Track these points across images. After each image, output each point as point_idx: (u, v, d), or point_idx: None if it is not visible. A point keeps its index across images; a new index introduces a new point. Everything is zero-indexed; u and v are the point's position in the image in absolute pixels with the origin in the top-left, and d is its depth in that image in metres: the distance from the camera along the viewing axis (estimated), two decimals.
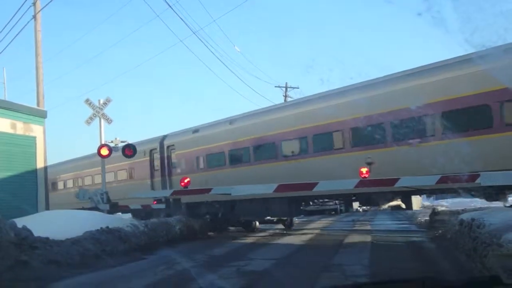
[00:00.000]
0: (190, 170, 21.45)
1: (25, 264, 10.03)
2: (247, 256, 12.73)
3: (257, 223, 21.81)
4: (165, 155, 23.73)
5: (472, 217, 10.59)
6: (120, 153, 22.30)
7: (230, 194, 18.01)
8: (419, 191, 16.90)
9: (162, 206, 23.65)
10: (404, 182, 12.69)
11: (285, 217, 21.40)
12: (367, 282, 5.50)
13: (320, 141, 16.76)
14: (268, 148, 18.62)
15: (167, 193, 20.38)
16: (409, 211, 24.39)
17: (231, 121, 20.64)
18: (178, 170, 22.70)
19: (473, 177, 10.87)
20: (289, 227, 21.84)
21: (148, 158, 24.78)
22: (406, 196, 17.69)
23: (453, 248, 11.71)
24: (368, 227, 22.07)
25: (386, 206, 16.45)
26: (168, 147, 23.68)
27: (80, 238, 12.21)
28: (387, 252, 13.07)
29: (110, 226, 13.63)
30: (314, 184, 14.35)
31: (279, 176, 16.77)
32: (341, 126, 15.77)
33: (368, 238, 16.25)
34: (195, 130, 22.29)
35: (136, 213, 23.01)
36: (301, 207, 20.79)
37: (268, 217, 21.37)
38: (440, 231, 15.58)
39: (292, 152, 17.78)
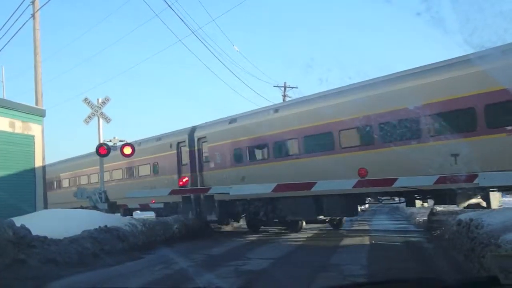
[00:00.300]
0: (224, 164, 20.16)
1: (23, 262, 10.04)
2: (245, 255, 12.73)
3: (304, 223, 20.16)
4: (195, 148, 21.93)
5: (470, 217, 10.58)
6: (140, 147, 22.15)
7: (228, 193, 18.03)
8: (500, 188, 14.44)
9: (160, 205, 23.59)
10: (402, 182, 12.72)
11: (343, 216, 19.83)
12: (365, 282, 5.50)
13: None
14: (323, 139, 16.51)
15: (166, 192, 19.75)
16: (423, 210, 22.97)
17: (276, 109, 18.96)
18: (211, 165, 21.05)
19: (471, 177, 10.89)
20: (337, 227, 20.49)
21: (175, 151, 23.09)
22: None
23: (451, 249, 11.71)
24: (367, 227, 22.08)
25: (465, 204, 15.43)
26: (199, 139, 21.87)
27: (78, 237, 12.21)
28: (385, 252, 13.07)
29: (108, 225, 13.63)
30: (313, 184, 14.37)
31: (336, 170, 15.12)
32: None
33: (366, 238, 16.26)
34: (232, 120, 20.48)
35: (160, 212, 22.73)
36: (359, 205, 18.95)
37: (321, 217, 19.01)
38: (438, 232, 15.59)
39: (360, 141, 15.66)
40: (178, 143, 22.91)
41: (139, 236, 14.81)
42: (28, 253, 10.37)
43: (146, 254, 13.35)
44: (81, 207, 19.82)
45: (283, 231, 19.68)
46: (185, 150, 22.48)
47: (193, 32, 38.56)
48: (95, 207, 18.51)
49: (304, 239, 17.21)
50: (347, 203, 16.47)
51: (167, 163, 23.42)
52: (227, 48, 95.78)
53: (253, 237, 18.29)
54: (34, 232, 11.02)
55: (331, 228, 20.57)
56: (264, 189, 16.55)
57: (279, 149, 18.12)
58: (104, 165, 26.24)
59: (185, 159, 22.38)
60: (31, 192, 17.93)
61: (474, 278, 5.32)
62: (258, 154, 19.01)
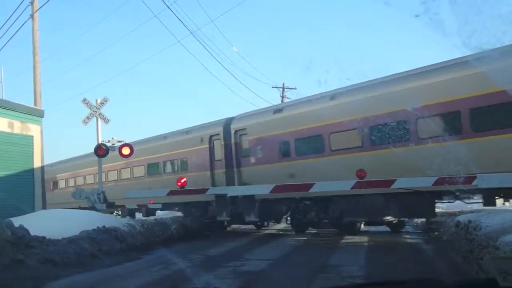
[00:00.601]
0: (268, 159, 18.19)
1: (21, 263, 10.03)
2: (243, 256, 12.73)
3: (362, 224, 18.42)
4: (232, 141, 19.84)
5: (469, 219, 10.61)
6: (168, 141, 21.68)
7: (226, 194, 17.97)
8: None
9: (159, 205, 23.51)
10: (400, 183, 12.71)
11: (418, 217, 18.47)
12: (363, 283, 5.50)
13: None
14: (394, 129, 14.12)
15: (164, 192, 19.03)
16: None
17: (332, 95, 16.40)
18: (251, 160, 18.97)
19: (470, 179, 10.90)
20: (396, 230, 18.32)
21: (207, 145, 20.96)
22: None
23: (450, 250, 11.74)
24: (365, 228, 22.06)
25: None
26: (236, 131, 19.75)
27: (77, 237, 12.20)
28: (384, 253, 13.08)
29: (106, 226, 13.63)
30: (311, 185, 14.36)
31: (415, 164, 12.52)
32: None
33: (365, 239, 16.26)
34: (278, 110, 18.64)
35: (187, 212, 21.63)
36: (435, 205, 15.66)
37: (388, 218, 17.02)
38: (436, 233, 15.61)
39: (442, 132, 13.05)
40: (211, 136, 20.87)
41: (138, 237, 14.80)
42: (27, 253, 10.36)
43: (145, 254, 13.34)
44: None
45: (333, 233, 17.80)
46: (218, 144, 20.50)
47: (191, 33, 38.57)
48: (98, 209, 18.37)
49: (303, 239, 17.20)
50: (423, 201, 14.36)
51: (197, 159, 21.40)
52: (226, 49, 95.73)
53: (251, 238, 18.26)
54: (32, 233, 11.01)
55: (388, 231, 18.56)
56: (262, 190, 16.53)
57: (339, 142, 15.79)
58: (124, 162, 24.80)
59: (219, 154, 20.43)
60: (30, 192, 17.93)
61: (473, 279, 5.33)
62: (311, 147, 16.60)
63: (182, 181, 16.71)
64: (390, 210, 15.44)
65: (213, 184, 20.14)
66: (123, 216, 24.32)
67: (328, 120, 15.87)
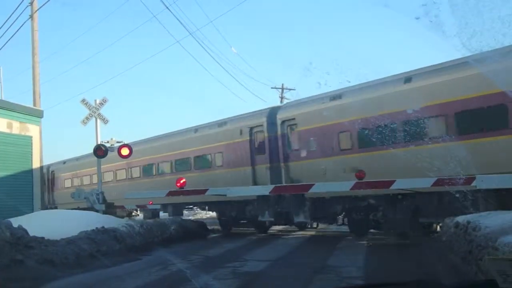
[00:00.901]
0: (324, 152, 16.13)
1: (20, 263, 10.03)
2: (242, 257, 12.73)
3: (439, 225, 15.06)
4: (278, 133, 17.84)
5: (468, 220, 10.59)
6: (199, 134, 20.70)
7: (225, 195, 17.76)
8: None
9: (157, 206, 23.45)
10: (399, 184, 12.72)
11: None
12: (362, 285, 5.50)
13: None
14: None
15: (163, 193, 18.87)
16: None
17: (407, 78, 14.22)
18: (302, 153, 16.95)
19: (469, 180, 10.90)
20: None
21: (247, 138, 19.00)
22: None
23: (448, 251, 11.72)
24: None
25: None
26: (283, 122, 17.75)
27: (75, 238, 12.20)
28: (382, 254, 13.08)
29: (105, 226, 13.62)
30: (310, 186, 14.36)
31: None
32: None
33: (363, 240, 16.24)
34: (335, 97, 16.05)
35: (221, 212, 20.93)
36: None
37: None
38: (435, 234, 15.58)
39: None
40: (251, 128, 18.92)
41: (136, 237, 14.78)
42: (26, 253, 10.36)
43: (143, 255, 13.33)
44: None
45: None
46: (261, 136, 18.56)
47: (190, 34, 38.57)
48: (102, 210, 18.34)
49: (302, 240, 17.19)
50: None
51: (235, 153, 19.43)
52: (225, 50, 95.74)
53: (250, 239, 18.23)
54: (31, 233, 11.02)
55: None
56: (261, 191, 16.49)
57: (417, 130, 13.35)
58: (147, 157, 23.67)
59: (262, 147, 18.52)
60: (29, 192, 17.93)
61: (472, 281, 5.33)
62: (380, 137, 13.88)
63: (181, 181, 16.60)
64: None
65: (254, 181, 18.54)
66: (147, 216, 24.18)
67: (403, 107, 13.61)
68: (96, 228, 13.26)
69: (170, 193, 18.20)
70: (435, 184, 11.70)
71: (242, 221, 20.47)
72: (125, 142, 19.82)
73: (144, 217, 24.44)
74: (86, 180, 29.50)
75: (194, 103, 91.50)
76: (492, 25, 6.72)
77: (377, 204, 15.33)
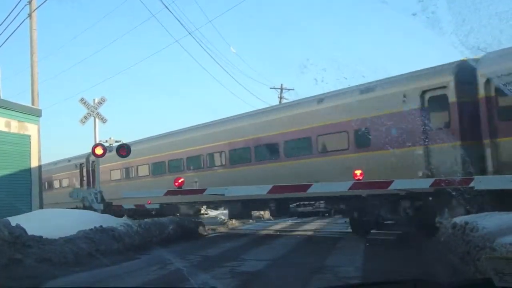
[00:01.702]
0: None
1: (19, 262, 10.04)
2: (240, 256, 12.75)
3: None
4: (479, 95, 12.35)
5: (466, 220, 10.61)
6: (324, 105, 15.99)
7: (223, 194, 17.69)
8: None
9: (156, 206, 23.41)
10: (398, 184, 12.73)
11: None
12: (359, 284, 5.52)
13: None
14: None
15: (161, 193, 18.84)
16: None
17: None
18: None
19: (467, 180, 10.92)
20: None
21: (417, 106, 13.45)
22: None
23: (446, 251, 11.74)
24: None
25: None
26: (488, 80, 12.06)
27: (74, 237, 12.20)
28: (380, 254, 13.09)
29: (103, 225, 13.62)
30: (308, 186, 14.37)
31: None
32: None
33: (361, 240, 16.26)
34: None
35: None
36: None
37: None
38: (435, 234, 15.58)
39: None
40: (424, 91, 13.52)
41: (135, 237, 14.78)
42: (24, 252, 10.37)
43: (142, 254, 13.34)
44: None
45: None
46: (444, 102, 13.10)
47: (189, 33, 38.59)
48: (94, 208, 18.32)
49: (300, 241, 17.21)
50: None
51: (391, 127, 13.56)
52: (224, 50, 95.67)
53: (248, 238, 18.21)
54: (29, 232, 11.01)
55: None
56: (260, 190, 16.38)
57: None
58: (216, 143, 19.95)
59: (445, 117, 13.24)
60: (27, 192, 17.92)
61: (469, 280, 5.35)
62: None
63: (180, 181, 16.57)
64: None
65: (428, 166, 13.07)
66: (233, 213, 23.37)
67: None
68: (95, 227, 13.26)
69: (169, 193, 18.16)
70: (433, 184, 11.72)
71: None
72: (124, 142, 19.82)
73: (230, 214, 23.76)
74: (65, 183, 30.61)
75: (193, 102, 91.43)
76: (489, 21, 6.74)
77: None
